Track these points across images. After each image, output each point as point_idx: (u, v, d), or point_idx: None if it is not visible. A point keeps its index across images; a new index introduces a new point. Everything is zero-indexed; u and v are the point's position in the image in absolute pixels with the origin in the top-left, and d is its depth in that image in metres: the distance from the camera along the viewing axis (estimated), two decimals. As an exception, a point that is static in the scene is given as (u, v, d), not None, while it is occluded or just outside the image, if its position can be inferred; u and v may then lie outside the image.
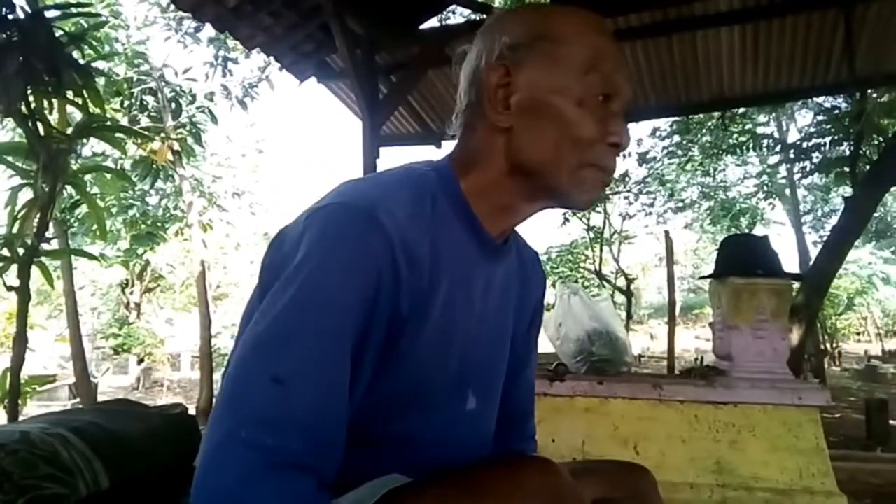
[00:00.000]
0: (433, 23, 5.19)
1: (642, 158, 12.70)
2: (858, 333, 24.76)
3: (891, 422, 5.93)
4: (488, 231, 0.85)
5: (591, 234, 13.83)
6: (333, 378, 0.68)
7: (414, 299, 0.75)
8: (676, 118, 10.67)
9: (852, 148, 5.72)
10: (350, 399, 0.71)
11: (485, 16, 4.15)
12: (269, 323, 0.68)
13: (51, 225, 2.66)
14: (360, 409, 0.74)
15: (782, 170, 14.37)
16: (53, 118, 2.65)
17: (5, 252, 2.51)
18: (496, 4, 7.24)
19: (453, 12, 6.63)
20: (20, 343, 2.52)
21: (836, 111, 7.28)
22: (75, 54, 2.75)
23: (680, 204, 15.67)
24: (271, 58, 4.89)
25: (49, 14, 2.58)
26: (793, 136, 12.63)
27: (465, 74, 0.85)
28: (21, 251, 2.51)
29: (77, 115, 2.87)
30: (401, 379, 0.77)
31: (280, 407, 0.64)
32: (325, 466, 0.67)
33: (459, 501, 0.70)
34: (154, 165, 9.33)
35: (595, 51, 0.79)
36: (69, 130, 2.69)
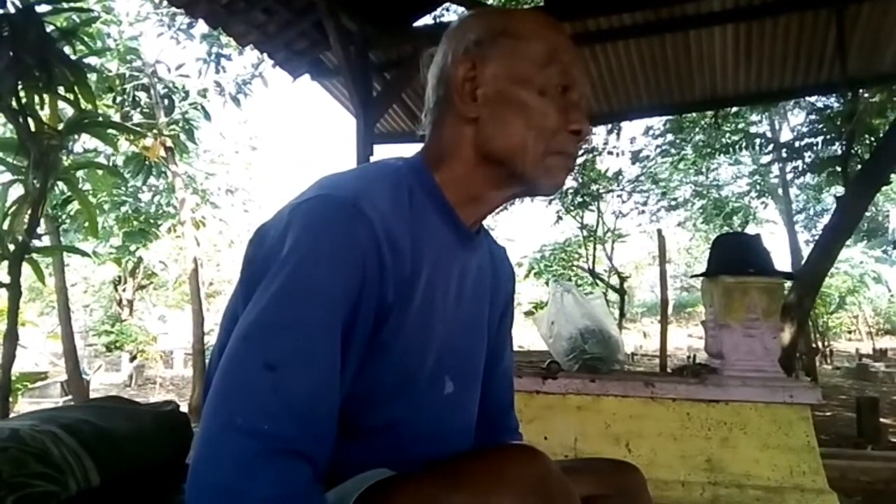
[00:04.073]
0: (427, 20, 5.18)
1: (635, 157, 12.68)
2: (850, 332, 24.93)
3: (881, 420, 5.98)
4: (462, 220, 0.88)
5: (585, 233, 13.84)
6: (325, 365, 0.69)
7: (398, 287, 0.77)
8: (669, 117, 10.69)
9: (844, 147, 5.76)
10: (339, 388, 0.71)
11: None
12: (258, 314, 0.69)
13: (42, 221, 2.65)
14: (347, 399, 0.74)
15: (775, 169, 14.46)
16: (45, 114, 2.64)
17: (-4, 249, 2.50)
18: (489, 3, 7.23)
19: (447, 10, 6.63)
20: (11, 340, 2.51)
21: (829, 111, 7.33)
22: (67, 50, 2.73)
23: (673, 202, 15.69)
24: (265, 55, 4.86)
25: (40, 9, 2.56)
26: (785, 136, 12.69)
27: (434, 74, 0.90)
28: (12, 247, 2.50)
29: (68, 111, 2.85)
30: (385, 365, 0.78)
31: (274, 393, 0.65)
32: (319, 454, 0.67)
33: (444, 491, 0.70)
34: (146, 162, 9.28)
35: (552, 45, 0.84)
36: (60, 126, 2.68)
